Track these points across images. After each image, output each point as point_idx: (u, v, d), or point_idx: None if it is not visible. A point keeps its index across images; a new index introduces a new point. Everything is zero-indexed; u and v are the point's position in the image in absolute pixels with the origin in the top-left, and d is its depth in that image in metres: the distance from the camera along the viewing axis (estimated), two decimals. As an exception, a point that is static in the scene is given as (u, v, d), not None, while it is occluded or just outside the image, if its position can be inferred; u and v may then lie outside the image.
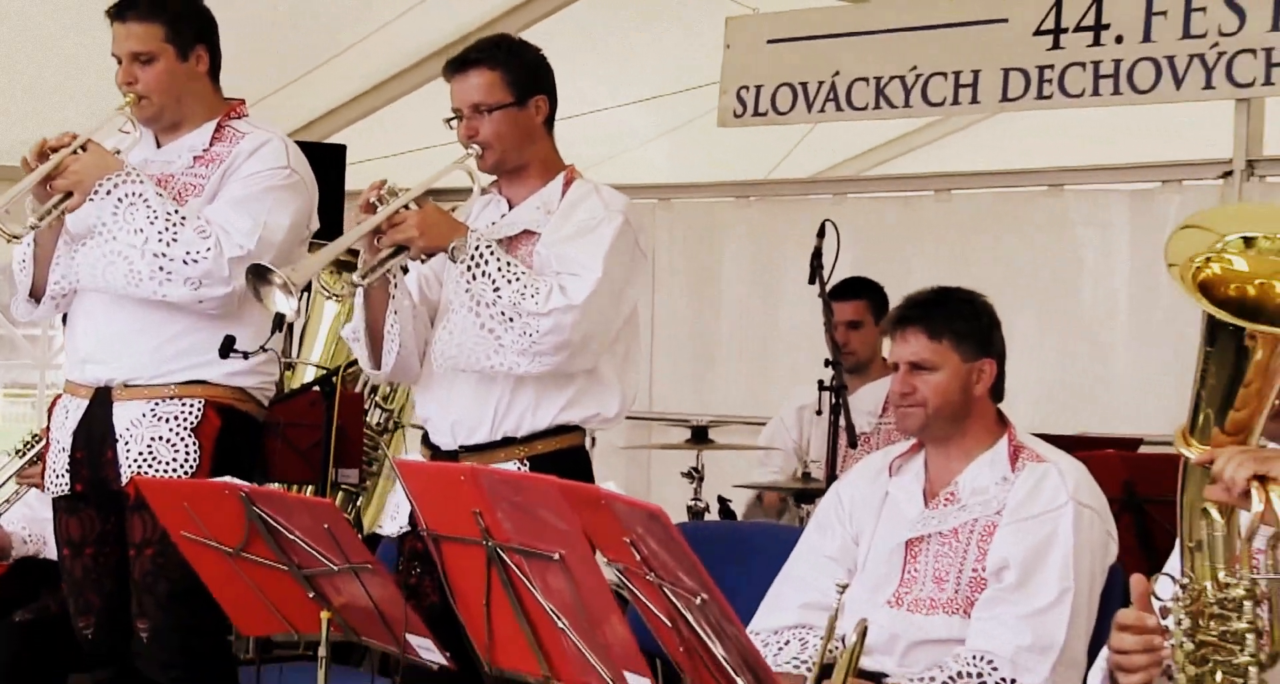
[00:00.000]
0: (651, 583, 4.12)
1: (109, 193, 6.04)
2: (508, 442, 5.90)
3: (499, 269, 5.72)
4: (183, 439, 6.20)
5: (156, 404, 6.24)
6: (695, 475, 8.40)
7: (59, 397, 6.59)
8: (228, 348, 6.00)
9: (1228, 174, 9.14)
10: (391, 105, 10.55)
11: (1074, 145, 10.00)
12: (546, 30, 9.68)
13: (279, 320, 5.71)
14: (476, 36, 9.95)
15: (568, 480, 4.69)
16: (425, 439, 6.24)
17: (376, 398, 8.64)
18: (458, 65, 6.06)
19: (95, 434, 6.30)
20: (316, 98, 10.62)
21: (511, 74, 6.00)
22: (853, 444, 7.82)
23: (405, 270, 5.95)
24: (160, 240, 6.00)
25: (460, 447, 5.97)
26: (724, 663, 4.02)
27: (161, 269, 6.00)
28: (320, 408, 7.93)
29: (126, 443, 6.23)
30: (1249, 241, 4.12)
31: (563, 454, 5.93)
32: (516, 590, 4.49)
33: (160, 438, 6.19)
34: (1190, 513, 4.22)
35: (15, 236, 6.19)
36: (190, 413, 6.25)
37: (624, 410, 6.17)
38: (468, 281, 5.74)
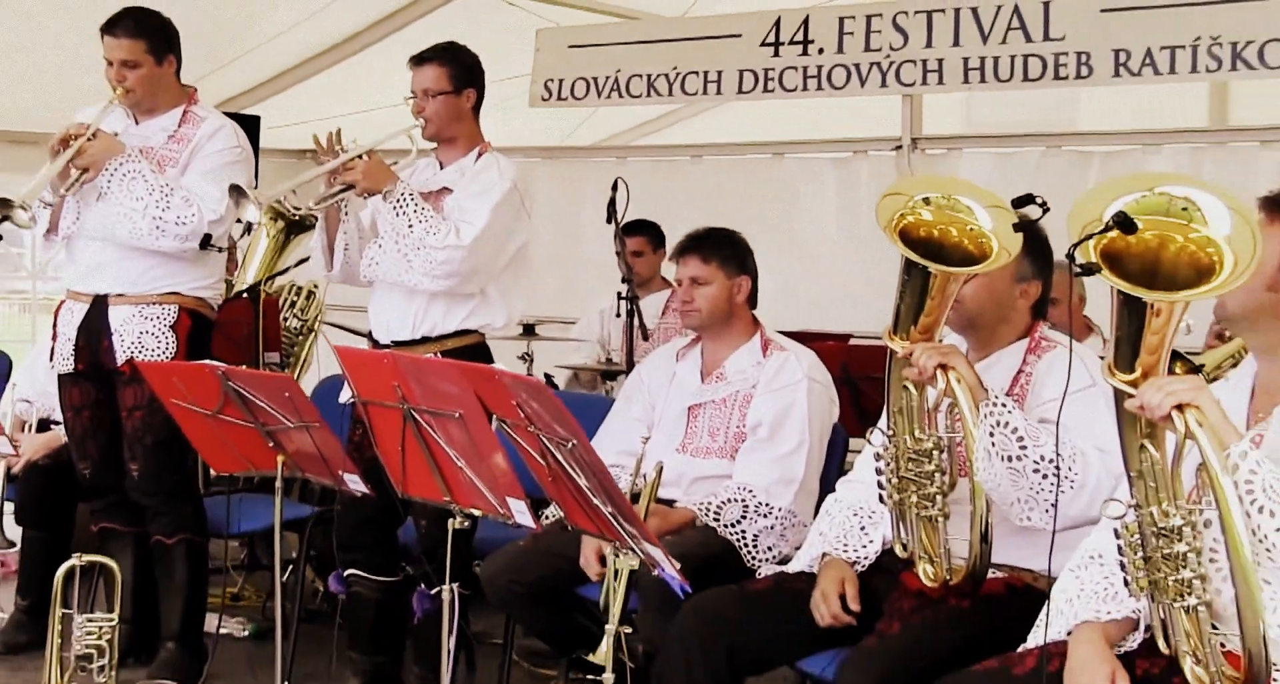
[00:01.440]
0: (531, 433, 4.12)
1: (116, 169, 6.16)
2: (425, 339, 5.99)
3: (415, 211, 5.86)
4: (164, 332, 6.33)
5: (143, 308, 6.34)
6: (528, 359, 8.46)
7: (63, 301, 6.64)
8: (205, 243, 6.21)
9: (899, 147, 9.27)
10: (297, 86, 10.38)
11: (791, 125, 10.05)
12: (409, 38, 9.55)
13: (248, 226, 6.11)
14: (359, 37, 10.10)
15: (468, 362, 4.87)
16: (369, 335, 6.32)
17: (295, 309, 8.55)
18: (418, 60, 6.18)
19: (94, 329, 6.39)
20: (239, 78, 10.43)
21: (453, 70, 6.12)
22: (645, 337, 7.93)
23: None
24: (157, 206, 6.15)
25: (391, 342, 6.04)
26: (585, 489, 4.03)
27: (158, 227, 6.15)
28: (249, 309, 8.05)
29: (120, 336, 6.33)
30: (928, 200, 4.31)
31: (466, 350, 6.00)
32: (425, 439, 4.54)
33: (147, 332, 6.31)
34: (895, 387, 4.44)
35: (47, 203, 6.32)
36: (168, 314, 6.37)
37: (510, 322, 6.27)
38: (392, 217, 5.87)
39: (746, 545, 5.40)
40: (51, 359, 6.58)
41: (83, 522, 6.96)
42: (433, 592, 5.84)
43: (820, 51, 8.71)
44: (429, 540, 5.98)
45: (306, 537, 6.99)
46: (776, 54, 8.82)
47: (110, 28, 6.33)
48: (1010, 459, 4.26)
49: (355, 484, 5.22)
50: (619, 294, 7.88)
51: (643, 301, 8.27)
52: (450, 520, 4.72)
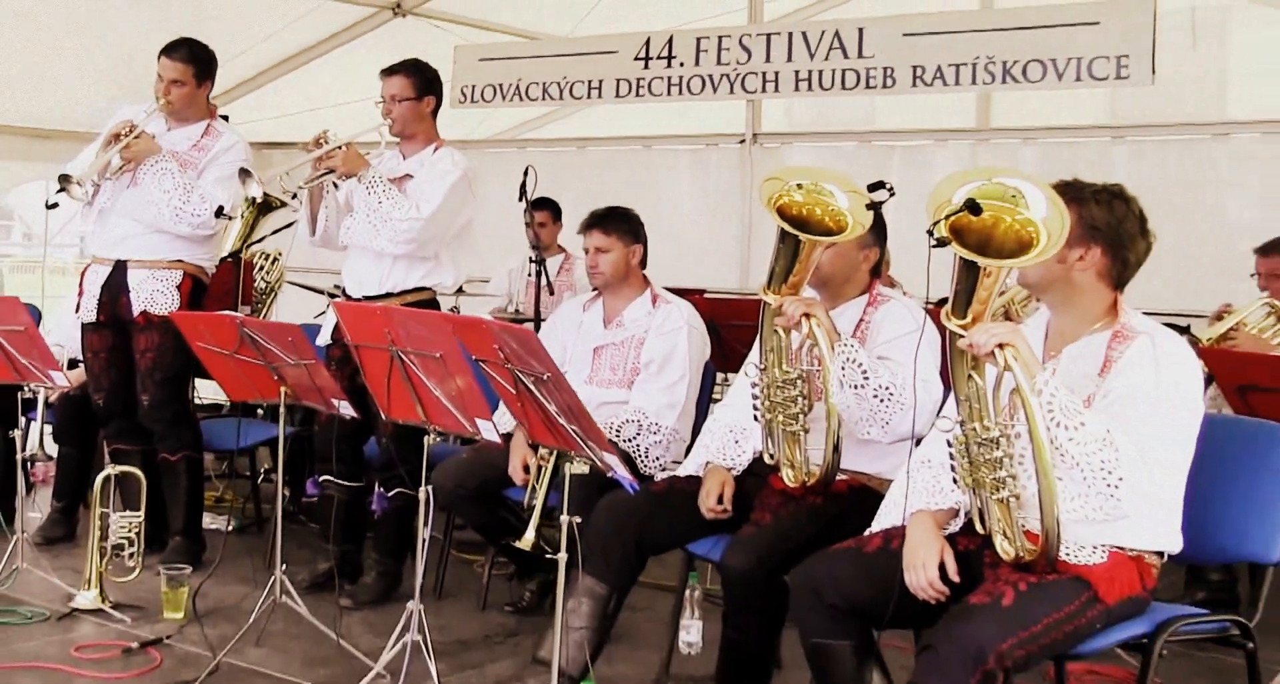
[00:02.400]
0: (506, 369, 4.12)
1: (152, 165, 6.22)
2: (389, 294, 5.97)
3: (383, 191, 5.90)
4: (171, 291, 6.40)
5: (155, 271, 6.41)
6: (456, 311, 8.39)
7: (89, 264, 6.63)
8: (219, 214, 6.32)
9: (742, 141, 9.33)
10: (258, 90, 10.12)
11: (658, 122, 10.02)
12: (355, 51, 9.79)
13: (251, 200, 6.22)
14: (313, 50, 9.97)
15: (458, 315, 4.93)
16: (342, 290, 6.30)
17: (263, 272, 8.50)
18: (388, 71, 6.17)
19: (115, 287, 6.43)
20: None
21: (417, 81, 6.14)
22: (551, 292, 7.90)
23: (336, 186, 6.08)
24: (179, 199, 6.24)
25: (362, 295, 6.02)
26: (553, 412, 4.04)
27: (177, 216, 6.25)
28: (232, 272, 8.01)
29: (136, 292, 6.39)
30: (799, 186, 4.30)
31: (420, 303, 5.98)
32: (409, 375, 4.54)
33: (158, 290, 6.38)
34: (767, 330, 4.41)
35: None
36: (175, 277, 6.43)
37: (457, 283, 6.28)
38: (365, 195, 5.90)
39: (640, 456, 5.45)
40: (78, 311, 6.55)
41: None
42: (389, 494, 5.91)
43: (681, 65, 8.71)
44: (387, 455, 5.99)
45: (285, 451, 6.96)
46: (646, 66, 8.79)
47: (169, 51, 6.41)
48: (856, 387, 4.35)
49: (345, 409, 5.24)
50: (530, 258, 7.82)
51: (545, 263, 8.20)
52: (425, 437, 4.75)
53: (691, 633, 5.23)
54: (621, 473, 3.95)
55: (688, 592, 5.20)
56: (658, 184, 9.45)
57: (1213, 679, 5.14)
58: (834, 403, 4.33)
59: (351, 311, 4.89)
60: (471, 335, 4.25)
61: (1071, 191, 3.66)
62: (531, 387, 4.01)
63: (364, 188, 5.97)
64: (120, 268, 6.46)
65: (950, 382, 3.73)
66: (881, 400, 4.41)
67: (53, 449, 7.06)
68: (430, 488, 5.25)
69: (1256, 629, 3.91)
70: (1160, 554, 3.79)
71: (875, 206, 4.27)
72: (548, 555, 5.13)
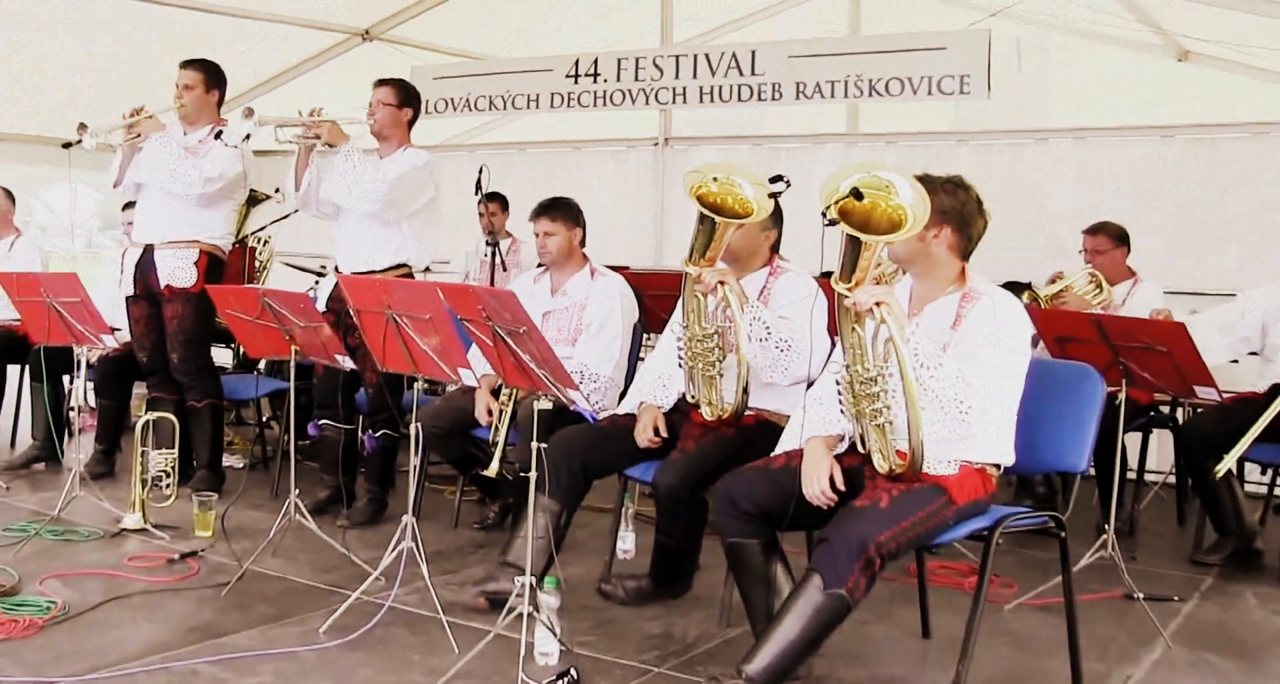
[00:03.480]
0: (486, 325, 4.19)
1: (157, 139, 6.32)
2: (371, 271, 6.04)
3: (358, 160, 6.09)
4: (189, 268, 6.47)
5: (175, 251, 6.47)
6: None
7: (127, 248, 6.72)
8: (255, 201, 6.77)
9: (656, 144, 9.53)
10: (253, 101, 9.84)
11: (585, 128, 10.01)
12: (330, 70, 9.82)
13: (247, 136, 6.04)
14: (295, 70, 10.01)
15: (447, 283, 5.03)
16: (335, 267, 6.42)
17: (258, 254, 8.52)
18: (381, 81, 6.31)
19: (145, 265, 6.53)
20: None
21: (400, 94, 6.28)
22: (504, 269, 8.05)
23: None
24: (174, 163, 6.31)
25: (352, 271, 6.09)
26: (529, 363, 4.15)
27: (172, 177, 6.32)
28: (240, 254, 8.10)
29: (161, 270, 6.46)
30: (715, 179, 4.50)
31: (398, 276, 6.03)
32: (401, 333, 4.61)
33: (178, 267, 6.46)
34: (688, 295, 4.65)
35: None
36: (192, 255, 6.49)
37: (424, 262, 6.37)
38: (343, 162, 6.09)
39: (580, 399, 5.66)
40: (120, 287, 6.68)
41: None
42: (377, 434, 6.14)
43: (605, 81, 8.72)
44: (375, 402, 6.20)
45: (289, 401, 7.10)
46: (576, 82, 8.81)
47: (185, 64, 6.51)
48: (761, 340, 4.60)
49: (346, 362, 5.38)
50: (486, 241, 7.92)
51: (499, 246, 8.28)
52: (415, 383, 4.88)
53: (627, 542, 5.57)
54: (583, 406, 4.11)
55: (624, 510, 5.51)
56: (586, 179, 9.48)
57: (1033, 570, 5.45)
58: (744, 353, 4.56)
59: (354, 283, 4.99)
60: (459, 299, 4.34)
61: (925, 183, 3.83)
62: (508, 339, 4.11)
63: (343, 156, 6.11)
64: (149, 250, 6.54)
65: (837, 334, 3.96)
66: (781, 351, 4.65)
67: (93, 400, 7.26)
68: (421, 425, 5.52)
69: (1067, 524, 4.23)
70: (998, 466, 4.07)
71: (775, 196, 4.52)
72: (510, 479, 5.44)
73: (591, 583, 5.14)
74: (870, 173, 3.76)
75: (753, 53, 8.30)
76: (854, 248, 3.76)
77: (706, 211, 4.53)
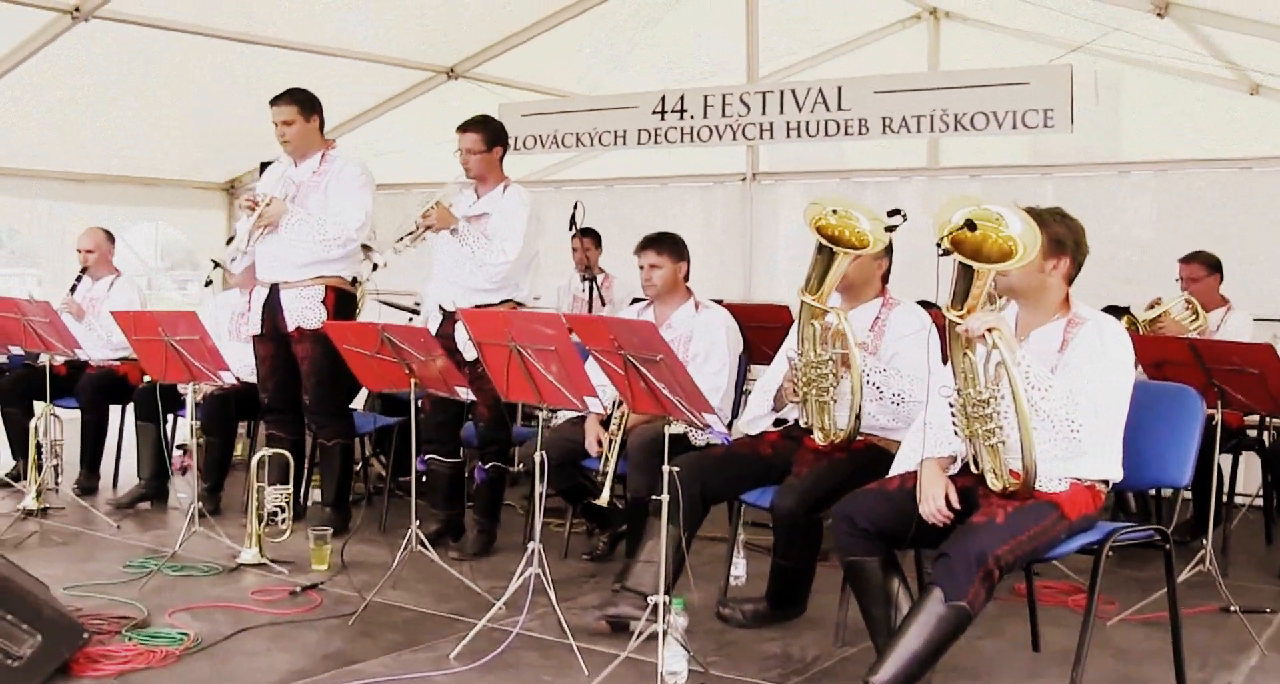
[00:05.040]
0: (619, 354, 4.44)
1: (288, 218, 6.58)
2: (479, 307, 6.25)
3: (473, 241, 6.31)
4: (317, 306, 6.68)
5: (301, 290, 6.68)
6: None
7: (254, 286, 7.00)
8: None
9: (743, 179, 9.80)
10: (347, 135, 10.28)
11: (678, 163, 10.20)
12: (419, 107, 10.18)
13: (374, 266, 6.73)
14: (382, 106, 10.37)
15: (576, 314, 5.28)
16: (439, 306, 6.59)
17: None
18: (463, 127, 6.57)
19: (272, 305, 6.76)
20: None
21: (485, 135, 6.54)
22: (603, 304, 8.31)
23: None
24: (318, 232, 6.59)
25: (455, 308, 6.28)
26: (663, 390, 4.39)
27: (324, 245, 6.61)
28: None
29: (289, 310, 6.69)
30: (834, 212, 4.85)
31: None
32: (525, 365, 4.85)
33: (306, 307, 6.67)
34: (805, 324, 4.95)
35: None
36: (318, 293, 6.69)
37: (530, 296, 6.64)
38: (458, 246, 6.33)
39: (690, 429, 5.76)
40: (248, 325, 7.00)
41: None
42: (487, 466, 6.46)
43: (692, 117, 9.02)
44: (488, 435, 6.52)
45: (394, 437, 7.42)
46: (663, 118, 9.10)
47: (274, 101, 6.75)
48: (876, 400, 5.06)
49: (465, 394, 5.63)
50: (582, 276, 8.18)
51: (585, 283, 8.61)
52: (540, 413, 5.23)
53: (738, 568, 5.92)
54: (719, 429, 4.40)
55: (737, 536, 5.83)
56: (674, 214, 9.79)
57: (1131, 587, 5.81)
58: (858, 383, 4.92)
59: (476, 316, 5.23)
60: (587, 329, 4.65)
61: (1036, 216, 4.15)
62: (642, 367, 4.38)
63: (457, 241, 6.39)
64: (275, 289, 6.79)
65: (947, 361, 4.28)
66: (897, 405, 5.07)
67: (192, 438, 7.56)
68: (531, 458, 5.79)
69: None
70: (1106, 482, 4.39)
71: (891, 229, 4.85)
72: (620, 508, 5.74)
73: (708, 607, 5.41)
74: (980, 206, 4.08)
75: (839, 89, 8.64)
76: (966, 276, 4.09)
77: (826, 243, 4.87)
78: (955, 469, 4.50)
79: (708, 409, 4.37)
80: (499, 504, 6.74)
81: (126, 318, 6.49)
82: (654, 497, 4.62)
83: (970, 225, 4.03)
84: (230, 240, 6.96)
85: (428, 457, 6.59)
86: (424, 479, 6.93)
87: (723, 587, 5.58)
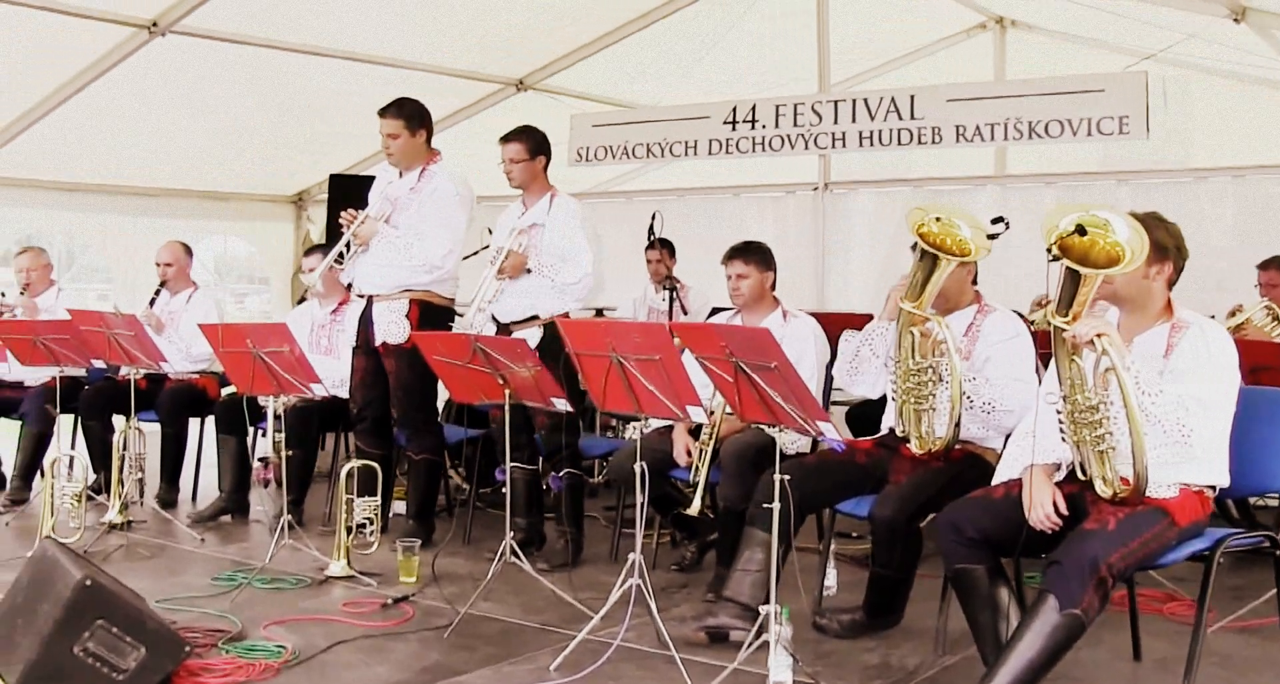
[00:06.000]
0: (730, 362, 4.46)
1: (379, 239, 6.64)
2: (532, 318, 6.55)
3: (551, 271, 6.45)
4: (401, 320, 6.71)
5: (389, 303, 6.75)
6: None
7: (347, 300, 7.21)
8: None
9: (815, 189, 9.78)
10: None
11: (748, 173, 10.21)
12: (486, 121, 10.14)
13: None
14: (451, 118, 10.33)
15: (682, 323, 5.28)
16: (493, 317, 6.65)
17: None
18: (505, 138, 6.64)
19: (365, 319, 6.85)
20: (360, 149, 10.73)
21: (529, 144, 6.61)
22: (684, 313, 8.33)
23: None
24: (404, 255, 6.65)
25: (509, 321, 6.59)
26: (775, 398, 4.40)
27: (409, 269, 6.67)
28: None
29: (378, 324, 6.77)
30: (937, 219, 4.83)
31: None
32: (626, 374, 4.85)
33: (392, 322, 6.72)
34: (905, 331, 5.00)
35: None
36: (403, 306, 6.73)
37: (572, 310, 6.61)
38: (539, 279, 6.47)
39: (781, 437, 5.64)
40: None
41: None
42: (561, 474, 6.47)
43: (763, 127, 9.08)
44: (547, 443, 6.60)
45: (479, 448, 7.47)
46: (734, 129, 9.16)
47: (382, 113, 6.77)
48: (966, 409, 5.06)
49: (561, 404, 5.63)
50: (664, 286, 8.23)
51: (660, 293, 8.67)
52: (634, 424, 5.28)
53: (830, 578, 5.91)
54: (832, 436, 4.42)
55: (830, 545, 5.82)
56: (745, 224, 9.79)
57: (1226, 595, 5.76)
58: (957, 391, 4.94)
59: (575, 326, 5.22)
60: (695, 337, 4.69)
61: (1140, 221, 4.15)
62: (754, 374, 4.40)
63: (535, 275, 6.50)
64: (369, 302, 6.88)
65: (1043, 368, 4.34)
66: (988, 413, 5.09)
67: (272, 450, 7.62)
68: (619, 469, 5.83)
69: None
70: (1213, 488, 4.39)
71: (993, 237, 4.87)
72: (711, 518, 5.77)
73: (802, 617, 5.36)
74: (1089, 211, 4.10)
75: (911, 97, 8.69)
76: (1073, 282, 4.11)
77: (929, 248, 4.88)
78: (1059, 476, 4.52)
79: (822, 417, 4.40)
80: (581, 512, 6.77)
81: (214, 331, 6.53)
82: (765, 505, 4.66)
83: (1080, 230, 4.05)
84: (308, 251, 7.00)
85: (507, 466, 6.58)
86: (502, 489, 7.01)
87: (817, 596, 5.60)
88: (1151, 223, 4.28)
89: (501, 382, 5.69)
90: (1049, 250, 4.07)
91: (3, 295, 8.59)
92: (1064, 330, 4.14)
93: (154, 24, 8.22)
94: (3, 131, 9.33)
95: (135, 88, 8.90)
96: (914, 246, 4.99)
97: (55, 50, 8.40)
